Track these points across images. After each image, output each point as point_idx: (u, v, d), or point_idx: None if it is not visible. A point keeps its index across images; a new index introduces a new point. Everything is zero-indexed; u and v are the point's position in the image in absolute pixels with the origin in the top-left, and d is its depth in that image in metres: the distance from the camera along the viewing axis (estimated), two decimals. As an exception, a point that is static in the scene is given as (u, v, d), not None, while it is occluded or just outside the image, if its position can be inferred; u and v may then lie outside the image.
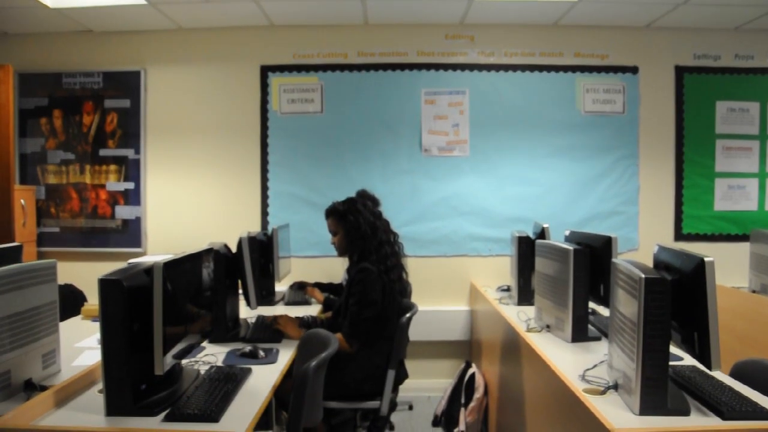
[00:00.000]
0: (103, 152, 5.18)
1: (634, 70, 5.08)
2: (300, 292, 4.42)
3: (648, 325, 1.92)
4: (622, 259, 2.31)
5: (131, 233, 5.16)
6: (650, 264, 2.32)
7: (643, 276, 1.92)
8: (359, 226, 3.24)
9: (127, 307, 1.97)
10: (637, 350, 1.94)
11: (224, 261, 3.03)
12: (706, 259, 1.92)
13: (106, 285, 1.97)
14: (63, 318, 2.69)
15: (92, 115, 5.20)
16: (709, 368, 1.92)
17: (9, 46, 5.19)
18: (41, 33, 5.18)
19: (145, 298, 2.04)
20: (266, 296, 4.15)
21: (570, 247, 2.92)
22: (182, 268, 2.21)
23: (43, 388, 2.16)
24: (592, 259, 2.96)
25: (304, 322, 3.35)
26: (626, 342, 2.06)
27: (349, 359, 3.09)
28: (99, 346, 2.53)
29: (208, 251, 2.61)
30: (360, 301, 3.09)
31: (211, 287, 2.69)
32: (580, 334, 2.93)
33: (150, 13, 4.73)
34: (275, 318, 3.18)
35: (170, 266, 2.06)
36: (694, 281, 1.95)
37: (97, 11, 4.69)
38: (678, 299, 2.03)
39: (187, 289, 2.30)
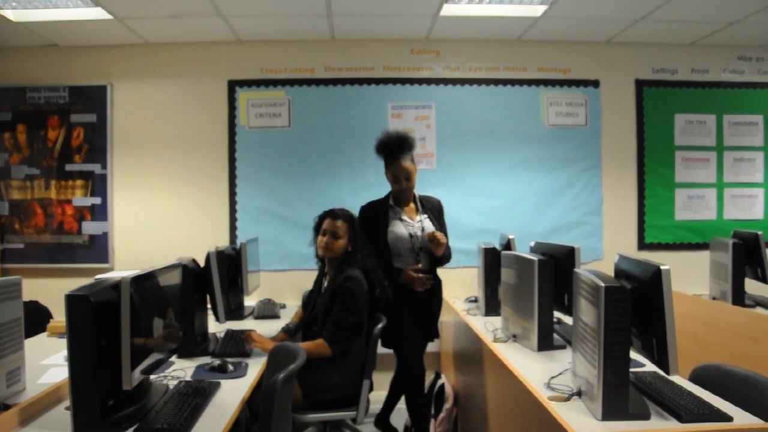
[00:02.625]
0: (69, 167, 5.13)
1: (595, 83, 5.21)
2: (270, 305, 4.41)
3: (609, 332, 1.97)
4: (584, 269, 2.37)
5: (98, 249, 5.11)
6: (612, 273, 2.39)
7: (603, 285, 1.98)
8: (362, 238, 3.51)
9: (95, 323, 1.97)
10: (598, 357, 2.00)
11: (192, 276, 3.03)
12: (662, 267, 1.99)
13: (73, 301, 1.97)
14: (28, 335, 2.66)
15: (58, 129, 5.14)
16: (668, 373, 1.98)
17: (-29, 61, 5.13)
18: (4, 46, 5.11)
19: (113, 313, 2.03)
20: (235, 310, 4.14)
21: (534, 257, 2.98)
22: (150, 283, 2.21)
23: (7, 407, 2.13)
24: (556, 269, 3.02)
25: (286, 329, 3.56)
26: (588, 349, 2.12)
27: (328, 366, 3.22)
28: (65, 363, 2.52)
29: (176, 266, 2.61)
30: (348, 308, 3.24)
31: (180, 302, 2.69)
32: (545, 343, 2.99)
33: (116, 27, 4.72)
34: (247, 333, 3.18)
35: (137, 281, 2.07)
36: (651, 289, 2.02)
37: (62, 25, 4.66)
38: (637, 307, 2.10)
39: (155, 304, 2.30)
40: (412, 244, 3.75)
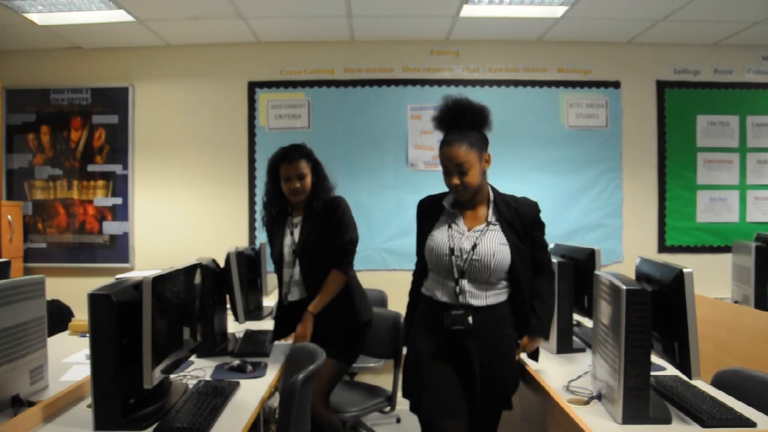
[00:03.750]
0: (91, 168, 5.19)
1: (616, 84, 5.17)
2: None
3: (630, 335, 1.96)
4: (604, 271, 2.35)
5: (119, 249, 5.16)
6: (633, 276, 2.37)
7: (624, 288, 1.97)
8: (322, 168, 3.31)
9: (117, 322, 1.99)
10: (619, 361, 1.98)
11: (212, 276, 3.05)
12: (684, 270, 1.96)
13: (95, 300, 1.99)
14: (50, 334, 2.69)
15: (80, 130, 5.20)
16: (689, 377, 1.96)
17: (-3, 62, 5.22)
18: (29, 49, 5.19)
19: (134, 312, 2.05)
20: (254, 311, 4.15)
21: (554, 260, 2.96)
22: (171, 283, 2.23)
23: (31, 404, 2.16)
24: (576, 271, 3.00)
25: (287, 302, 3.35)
26: (609, 353, 2.10)
27: (348, 291, 3.24)
28: (87, 361, 2.56)
29: (196, 266, 2.63)
30: (347, 227, 3.20)
31: (200, 302, 2.71)
32: (565, 346, 2.97)
33: (138, 29, 4.77)
34: (296, 336, 3.14)
35: (159, 281, 2.08)
36: (673, 292, 2.00)
37: (85, 28, 4.73)
38: (659, 310, 2.07)
39: (175, 303, 2.32)
40: (452, 263, 2.56)
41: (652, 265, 2.27)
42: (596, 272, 2.40)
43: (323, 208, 3.20)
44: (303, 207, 3.27)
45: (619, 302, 1.99)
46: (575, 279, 2.99)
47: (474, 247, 2.54)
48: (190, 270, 2.49)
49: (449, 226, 2.64)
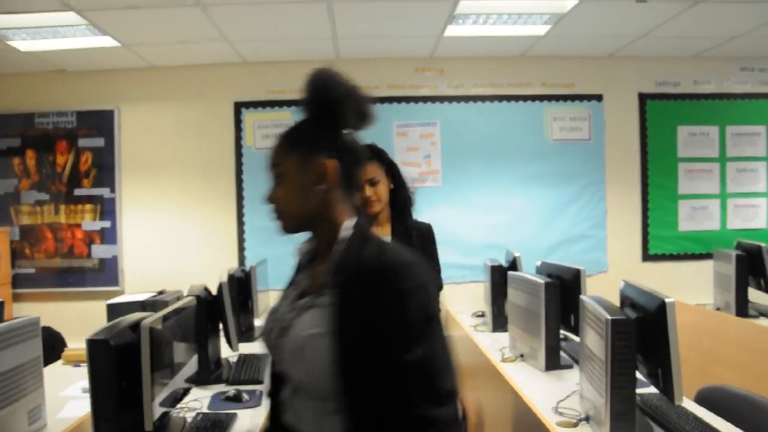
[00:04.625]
0: (78, 192, 5.20)
1: (598, 98, 5.27)
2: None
3: (615, 363, 2.02)
4: (589, 296, 2.41)
5: (108, 272, 5.18)
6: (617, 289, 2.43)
7: (609, 318, 2.03)
8: (400, 176, 2.83)
9: (115, 366, 2.02)
10: (605, 387, 2.05)
11: (205, 305, 3.08)
12: (667, 300, 2.03)
13: (94, 345, 2.01)
14: (44, 363, 2.71)
15: (66, 154, 5.21)
16: (673, 402, 2.02)
17: (-20, 88, 5.21)
18: (12, 73, 5.19)
19: (133, 354, 2.08)
20: (246, 332, 4.18)
21: (541, 280, 3.03)
22: (167, 323, 2.27)
23: (31, 445, 2.19)
24: (563, 290, 3.07)
25: None
26: (595, 377, 2.17)
27: None
28: (84, 395, 2.60)
29: (190, 301, 2.66)
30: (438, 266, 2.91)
31: (195, 334, 2.74)
32: (553, 363, 3.03)
33: (123, 53, 4.79)
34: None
35: (156, 324, 2.12)
36: (657, 320, 2.06)
37: (70, 52, 4.75)
38: (643, 335, 2.14)
39: (172, 342, 2.36)
40: None
41: (636, 291, 2.34)
42: (582, 297, 2.46)
43: (417, 234, 2.82)
44: (384, 222, 2.80)
45: (604, 331, 2.05)
46: (562, 297, 3.05)
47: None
48: (185, 306, 2.53)
49: None
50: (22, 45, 4.52)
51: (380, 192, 2.70)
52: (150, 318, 2.11)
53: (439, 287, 2.74)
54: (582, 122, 5.25)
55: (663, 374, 2.06)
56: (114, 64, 5.10)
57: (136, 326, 2.12)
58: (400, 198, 2.82)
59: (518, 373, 3.02)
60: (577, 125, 5.25)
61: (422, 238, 2.82)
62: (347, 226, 1.46)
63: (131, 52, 4.78)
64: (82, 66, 5.13)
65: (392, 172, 2.77)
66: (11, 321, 2.39)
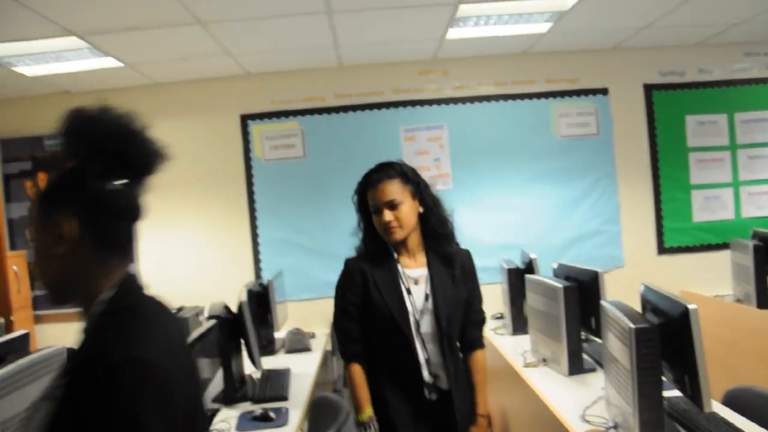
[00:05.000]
0: (90, 211, 5.21)
1: (604, 91, 5.25)
2: (299, 336, 4.48)
3: (641, 371, 2.02)
4: (610, 302, 2.41)
5: (126, 290, 5.18)
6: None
7: (632, 326, 2.03)
8: (425, 185, 2.52)
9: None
10: (632, 396, 2.04)
11: (227, 325, 3.10)
12: (689, 306, 2.02)
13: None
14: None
15: (77, 174, 5.22)
16: (702, 409, 2.02)
17: (-12, 113, 5.24)
18: (20, 97, 5.22)
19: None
20: (266, 346, 4.21)
21: (559, 284, 3.02)
22: (194, 350, 2.28)
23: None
24: (581, 293, 3.05)
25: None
26: (621, 384, 2.17)
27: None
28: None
29: (214, 324, 2.68)
30: (480, 293, 2.60)
31: (220, 355, 2.76)
32: (576, 367, 3.03)
33: (127, 72, 4.81)
34: None
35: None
36: (680, 327, 2.06)
37: (73, 75, 4.76)
38: (666, 341, 2.13)
39: (199, 366, 2.37)
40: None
41: (657, 296, 2.33)
42: (602, 303, 2.46)
43: (457, 259, 2.51)
44: (417, 251, 2.50)
45: (628, 339, 2.05)
46: (581, 300, 3.04)
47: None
48: (209, 331, 2.54)
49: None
50: (27, 70, 4.54)
51: (403, 216, 2.37)
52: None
53: (482, 320, 2.57)
54: (589, 117, 5.23)
55: (690, 381, 2.05)
56: (118, 83, 5.10)
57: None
58: (432, 221, 2.46)
59: (542, 379, 3.02)
60: (584, 120, 5.23)
61: (463, 269, 2.52)
62: (102, 299, 1.21)
63: (135, 71, 4.79)
64: (86, 87, 5.14)
65: (420, 192, 2.45)
66: (38, 354, 2.42)
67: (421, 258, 2.49)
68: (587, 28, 4.65)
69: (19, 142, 5.22)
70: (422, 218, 2.45)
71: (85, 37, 4.01)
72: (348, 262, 2.50)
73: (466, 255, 2.58)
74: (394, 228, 2.38)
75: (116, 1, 3.50)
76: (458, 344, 2.50)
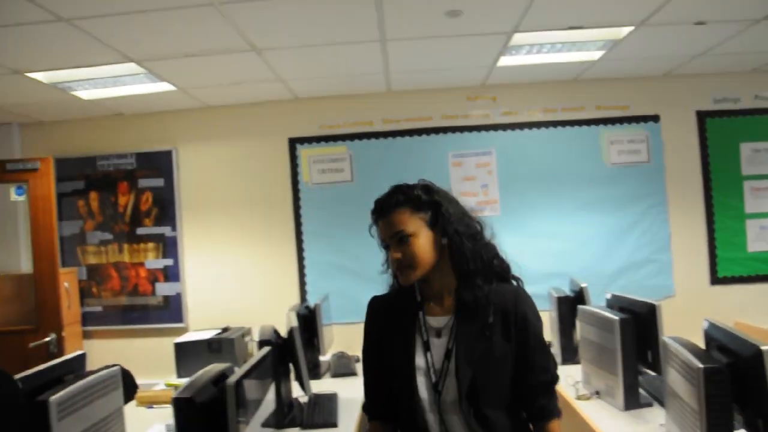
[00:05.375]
0: (140, 231, 5.32)
1: (655, 118, 5.16)
2: (344, 360, 4.46)
3: (711, 413, 1.95)
4: (672, 337, 2.35)
5: (173, 309, 5.27)
6: (698, 338, 2.35)
7: (701, 366, 1.97)
8: (463, 221, 1.96)
9: (201, 422, 2.05)
10: (701, 438, 1.98)
11: (278, 350, 3.10)
12: (763, 348, 1.95)
13: (180, 404, 2.05)
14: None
15: (127, 195, 5.35)
16: (778, 456, 1.94)
17: (45, 134, 5.42)
18: (74, 119, 5.38)
19: (216, 409, 2.11)
20: (312, 369, 4.20)
21: (615, 317, 2.96)
22: (248, 378, 2.29)
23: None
24: (638, 325, 2.99)
25: None
26: (687, 425, 2.10)
27: None
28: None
29: (266, 352, 2.68)
30: (544, 345, 1.96)
31: (272, 380, 2.77)
32: (632, 402, 2.95)
33: (179, 96, 4.91)
34: None
35: (239, 382, 2.14)
36: (752, 368, 1.99)
37: (127, 98, 4.88)
38: (736, 382, 2.06)
39: (254, 393, 2.38)
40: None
41: (725, 334, 2.26)
42: (664, 339, 2.40)
43: (494, 301, 1.89)
44: (444, 292, 1.96)
45: (696, 380, 1.99)
46: (637, 333, 2.97)
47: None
48: (264, 358, 2.55)
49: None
50: (85, 94, 4.68)
51: (414, 252, 1.89)
52: (234, 376, 2.14)
53: (549, 382, 1.92)
54: (640, 144, 5.15)
55: (764, 426, 1.98)
56: (170, 106, 5.22)
57: (217, 380, 2.15)
58: (461, 254, 1.91)
59: (596, 412, 2.95)
60: (634, 148, 5.14)
61: (505, 315, 1.89)
62: None
63: (187, 94, 4.89)
64: (139, 109, 5.27)
65: (439, 217, 1.92)
66: (96, 375, 2.46)
67: (450, 302, 1.95)
68: (639, 56, 4.59)
69: (73, 162, 5.36)
70: (451, 251, 1.92)
71: (143, 63, 4.11)
72: (370, 303, 2.09)
73: (513, 296, 1.93)
74: (404, 268, 1.90)
75: (176, 29, 3.58)
76: (524, 415, 1.95)
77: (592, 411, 2.98)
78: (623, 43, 4.25)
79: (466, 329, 1.89)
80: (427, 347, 1.92)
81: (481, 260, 1.93)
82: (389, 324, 1.99)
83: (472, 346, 1.87)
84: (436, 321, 1.95)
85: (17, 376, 2.21)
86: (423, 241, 1.89)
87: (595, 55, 4.51)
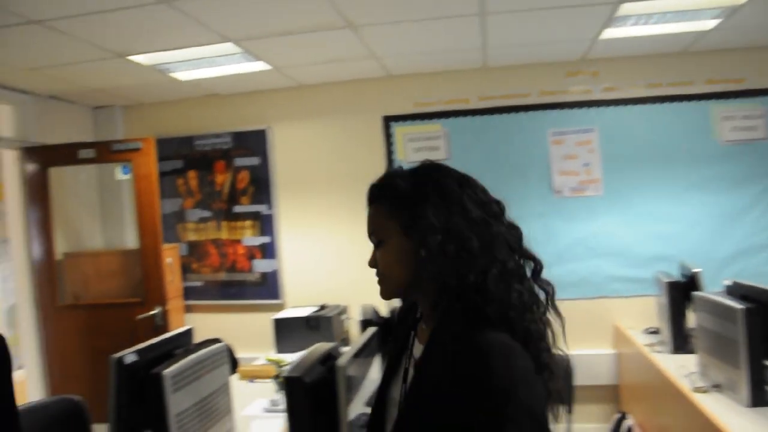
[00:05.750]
0: (237, 209, 5.43)
1: (773, 92, 4.77)
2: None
3: None
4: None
5: (270, 286, 5.35)
6: None
7: None
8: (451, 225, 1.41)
9: (310, 402, 2.04)
10: None
11: (379, 332, 3.07)
12: None
13: (290, 383, 2.04)
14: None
15: (224, 173, 5.45)
16: None
17: (145, 116, 5.60)
18: (172, 101, 5.52)
19: (324, 389, 2.09)
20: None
21: (739, 306, 2.77)
22: (357, 359, 2.26)
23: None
24: (763, 316, 2.78)
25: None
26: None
27: None
28: (266, 415, 2.69)
29: (374, 332, 2.65)
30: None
31: (373, 358, 2.74)
32: (759, 398, 2.76)
33: (273, 75, 4.92)
34: None
35: (350, 363, 2.12)
36: None
37: (223, 78, 4.93)
38: None
39: (360, 371, 2.35)
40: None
41: None
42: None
43: (451, 355, 1.32)
44: (430, 314, 1.50)
45: None
46: (763, 324, 2.77)
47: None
48: (372, 338, 2.53)
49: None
50: (182, 75, 4.76)
51: (381, 261, 1.54)
52: (344, 357, 2.11)
53: None
54: (757, 120, 4.75)
55: None
56: (265, 85, 5.25)
57: (324, 360, 2.14)
58: (433, 275, 1.42)
59: (717, 407, 2.78)
60: (750, 124, 4.76)
61: (454, 381, 1.28)
62: None
63: (281, 74, 4.90)
64: (234, 89, 5.33)
65: (408, 213, 1.45)
66: (206, 350, 2.51)
67: (426, 334, 1.49)
68: (760, 23, 4.24)
69: (172, 142, 5.50)
70: (423, 268, 1.43)
71: (240, 43, 4.13)
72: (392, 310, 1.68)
73: (476, 357, 1.26)
74: (378, 281, 1.55)
75: (274, 7, 3.56)
76: None
77: (712, 405, 2.81)
78: (743, 10, 3.92)
79: (424, 370, 1.42)
80: (405, 377, 1.51)
81: (465, 290, 1.36)
82: (395, 333, 1.71)
83: (419, 394, 1.40)
84: (418, 350, 1.51)
85: (132, 349, 2.28)
86: (392, 251, 1.49)
87: (709, 24, 4.20)
